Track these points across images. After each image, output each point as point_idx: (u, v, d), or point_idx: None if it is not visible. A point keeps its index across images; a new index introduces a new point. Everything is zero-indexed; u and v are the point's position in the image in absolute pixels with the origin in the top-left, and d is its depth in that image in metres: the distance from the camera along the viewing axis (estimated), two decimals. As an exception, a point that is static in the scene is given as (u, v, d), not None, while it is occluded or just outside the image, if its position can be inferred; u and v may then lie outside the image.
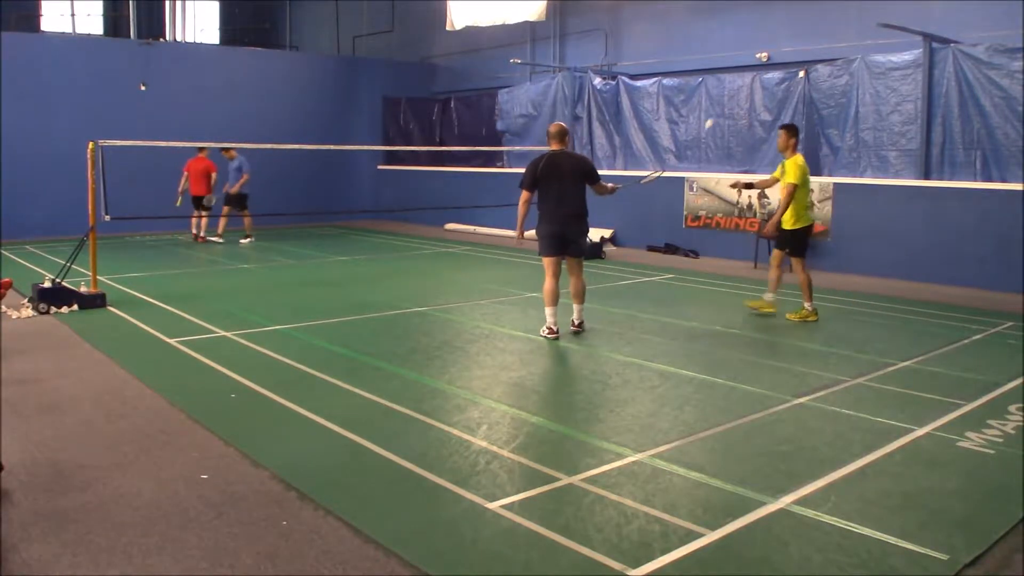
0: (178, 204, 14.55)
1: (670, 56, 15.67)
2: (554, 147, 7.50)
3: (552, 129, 7.56)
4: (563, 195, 7.38)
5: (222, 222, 15.04)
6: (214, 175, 14.77)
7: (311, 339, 7.35)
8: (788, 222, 8.26)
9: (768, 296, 8.59)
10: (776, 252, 8.59)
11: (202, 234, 15.16)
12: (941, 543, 3.52)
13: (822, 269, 12.18)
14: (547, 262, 7.48)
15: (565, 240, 7.46)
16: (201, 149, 14.63)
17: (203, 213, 14.75)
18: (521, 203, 7.51)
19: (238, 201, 14.75)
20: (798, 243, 8.35)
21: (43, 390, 5.74)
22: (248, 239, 15.05)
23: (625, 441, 4.76)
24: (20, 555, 3.38)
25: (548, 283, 7.44)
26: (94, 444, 4.70)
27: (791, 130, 8.38)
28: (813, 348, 7.18)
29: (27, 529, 3.61)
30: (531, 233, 7.87)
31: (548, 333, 7.44)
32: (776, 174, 8.49)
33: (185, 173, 14.70)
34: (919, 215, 11.26)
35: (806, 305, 8.38)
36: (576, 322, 7.74)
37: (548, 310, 7.45)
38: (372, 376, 6.14)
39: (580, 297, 7.67)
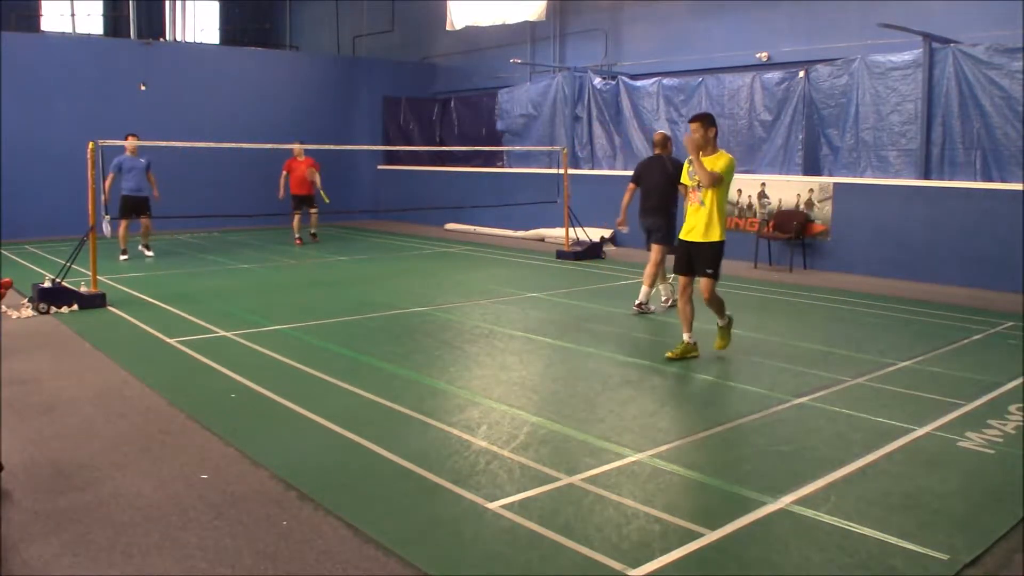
0: (280, 198, 14.61)
1: (670, 56, 15.66)
2: (656, 152, 8.79)
3: (654, 137, 8.95)
4: (649, 193, 8.70)
5: (122, 230, 12.55)
6: (318, 177, 14.77)
7: (311, 339, 7.35)
8: (716, 232, 6.50)
9: (687, 336, 6.73)
10: (684, 281, 6.76)
11: (313, 231, 15.13)
12: (941, 543, 3.52)
13: (822, 269, 12.19)
14: (652, 247, 8.79)
15: (648, 230, 8.77)
16: (293, 148, 14.32)
17: (312, 210, 14.74)
18: (626, 192, 9.01)
19: (145, 206, 12.68)
20: (720, 262, 6.62)
21: (43, 390, 5.74)
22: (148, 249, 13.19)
23: (625, 441, 4.76)
24: (20, 555, 3.38)
25: (649, 266, 8.73)
26: (94, 444, 4.70)
27: (707, 120, 6.53)
28: (813, 348, 7.18)
29: (27, 529, 3.61)
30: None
31: (635, 309, 8.62)
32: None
33: (284, 172, 14.67)
34: (919, 215, 11.25)
35: (685, 337, 6.74)
36: (636, 303, 8.63)
37: (642, 288, 8.69)
38: (372, 376, 6.14)
39: (647, 280, 8.62)
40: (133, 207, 12.42)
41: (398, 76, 20.76)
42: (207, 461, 4.43)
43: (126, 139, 12.41)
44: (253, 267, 12.26)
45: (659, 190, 8.58)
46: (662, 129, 14.86)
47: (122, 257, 12.56)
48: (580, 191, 14.93)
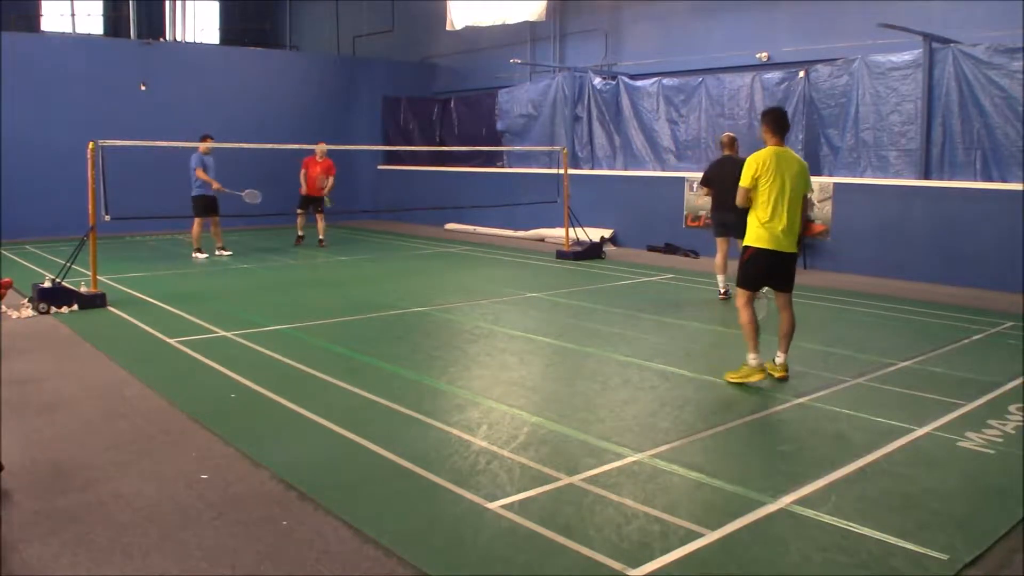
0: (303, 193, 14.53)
1: (670, 56, 15.66)
2: (727, 152, 9.40)
3: (723, 138, 9.58)
4: (725, 192, 8.90)
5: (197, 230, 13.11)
6: (331, 178, 14.54)
7: (311, 339, 7.35)
8: (746, 235, 6.18)
9: (752, 359, 6.04)
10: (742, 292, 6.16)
11: (321, 237, 14.81)
12: (941, 543, 3.52)
13: (822, 269, 12.18)
14: (717, 241, 9.59)
15: (727, 226, 9.18)
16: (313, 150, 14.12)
17: (319, 214, 14.54)
18: (704, 196, 10.05)
19: (217, 205, 13.06)
20: (743, 270, 6.13)
21: (43, 390, 5.74)
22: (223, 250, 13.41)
23: (625, 441, 4.76)
24: (20, 555, 3.38)
25: (717, 257, 9.57)
26: (94, 444, 4.70)
27: (762, 116, 6.22)
28: (813, 348, 7.17)
29: (27, 529, 3.61)
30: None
31: (720, 296, 9.52)
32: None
33: (304, 170, 14.52)
34: (919, 215, 11.25)
35: (749, 358, 6.04)
36: (721, 291, 9.53)
37: (718, 278, 9.59)
38: (372, 376, 6.14)
39: (720, 269, 9.55)
40: (210, 206, 12.87)
41: (398, 76, 20.75)
42: (207, 461, 4.43)
43: (203, 140, 12.63)
44: (253, 267, 12.25)
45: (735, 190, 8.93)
46: (663, 129, 14.95)
47: (201, 256, 12.95)
48: (580, 191, 14.93)
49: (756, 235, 6.01)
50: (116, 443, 4.71)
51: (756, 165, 6.00)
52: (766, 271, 6.06)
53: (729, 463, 4.52)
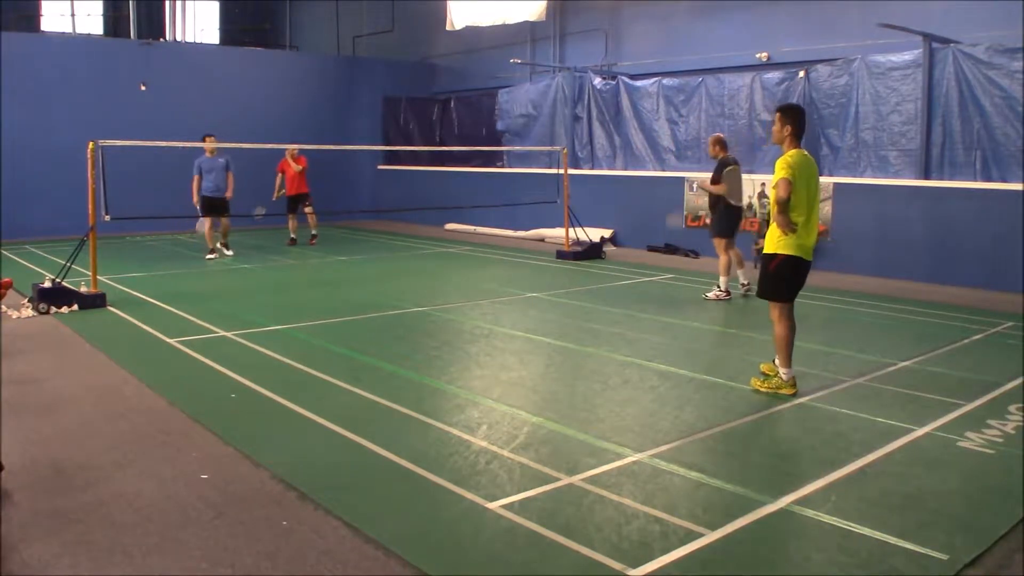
0: (274, 199, 14.47)
1: (670, 56, 15.66)
2: (725, 153, 9.74)
3: (720, 138, 9.90)
4: (738, 193, 9.70)
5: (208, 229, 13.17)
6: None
7: (311, 339, 7.35)
8: (768, 242, 5.77)
9: (784, 373, 5.81)
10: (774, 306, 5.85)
11: (313, 232, 14.86)
12: (941, 543, 3.52)
13: (822, 269, 12.18)
14: (727, 242, 9.62)
15: (737, 227, 9.79)
16: (288, 149, 14.15)
17: (307, 210, 14.53)
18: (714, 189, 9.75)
19: (225, 206, 12.91)
20: (778, 280, 5.75)
21: (43, 390, 5.74)
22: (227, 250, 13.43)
23: (625, 441, 4.76)
24: (20, 555, 3.38)
25: (725, 258, 9.57)
26: (94, 444, 4.70)
27: (786, 114, 5.80)
28: (813, 348, 7.17)
29: (27, 529, 3.61)
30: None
31: (722, 295, 9.47)
32: None
33: (280, 174, 14.54)
34: (919, 215, 11.25)
35: (781, 372, 5.82)
36: (744, 283, 9.67)
37: (722, 279, 9.53)
38: (372, 376, 6.14)
39: (741, 264, 9.75)
40: (213, 207, 12.65)
41: (398, 76, 20.76)
42: (207, 461, 4.43)
43: (204, 140, 12.46)
44: (253, 267, 12.25)
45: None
46: (663, 129, 14.96)
47: (208, 256, 12.93)
48: (580, 191, 14.93)
49: (789, 243, 5.60)
50: (116, 443, 4.71)
51: (794, 171, 5.50)
52: (801, 281, 5.79)
53: (729, 463, 4.52)
